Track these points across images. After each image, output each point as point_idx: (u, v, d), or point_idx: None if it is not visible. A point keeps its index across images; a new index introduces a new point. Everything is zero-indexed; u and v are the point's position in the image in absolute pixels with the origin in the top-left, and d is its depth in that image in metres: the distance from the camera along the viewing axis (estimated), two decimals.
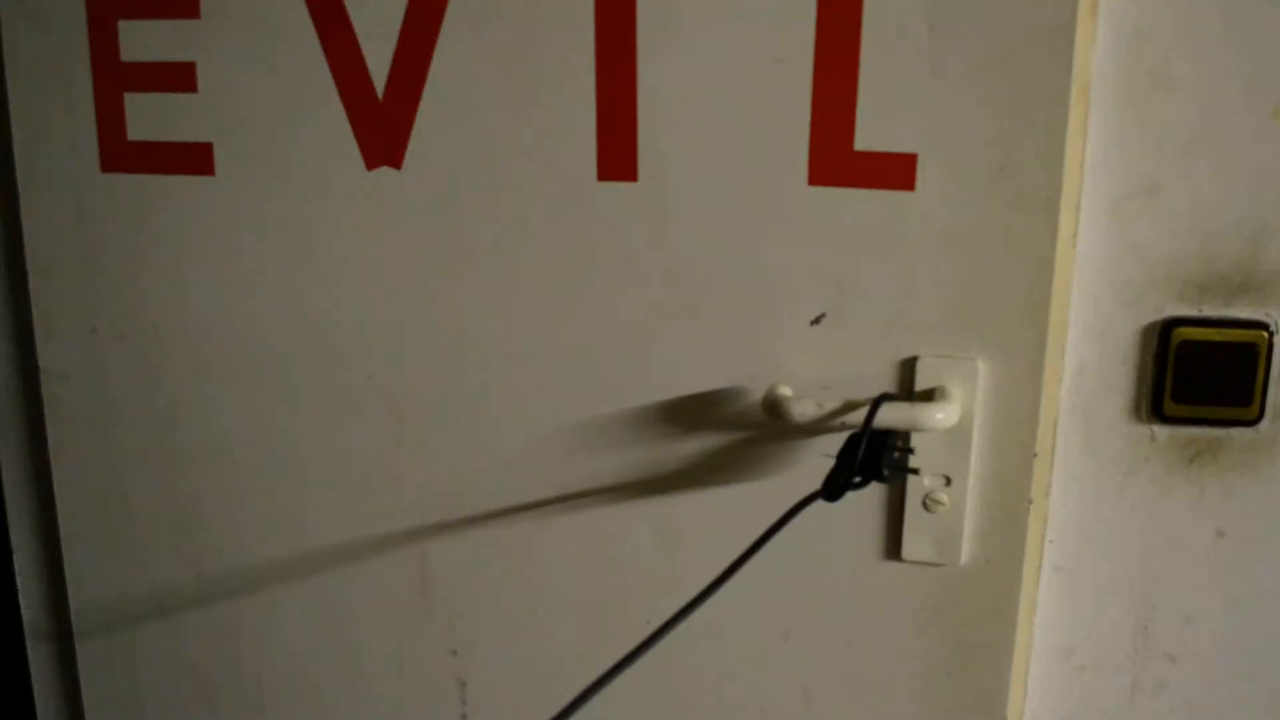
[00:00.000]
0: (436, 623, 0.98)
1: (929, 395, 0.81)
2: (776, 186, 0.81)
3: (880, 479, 0.76)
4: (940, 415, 0.77)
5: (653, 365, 0.87)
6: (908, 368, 0.82)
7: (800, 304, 0.83)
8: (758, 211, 0.82)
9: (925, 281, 0.80)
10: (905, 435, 0.81)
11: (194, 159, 0.92)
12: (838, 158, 0.80)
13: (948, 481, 0.82)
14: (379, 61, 0.86)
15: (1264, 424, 0.71)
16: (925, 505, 0.83)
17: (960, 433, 0.81)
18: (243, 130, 0.91)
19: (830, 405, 0.78)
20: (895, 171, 0.79)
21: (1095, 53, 0.77)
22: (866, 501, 0.85)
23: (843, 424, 0.77)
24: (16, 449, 1.06)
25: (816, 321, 0.83)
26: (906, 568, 0.86)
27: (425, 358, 0.92)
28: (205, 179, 0.93)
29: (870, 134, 0.79)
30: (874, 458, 0.76)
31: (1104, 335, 0.75)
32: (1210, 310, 0.70)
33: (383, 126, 0.88)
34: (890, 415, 0.76)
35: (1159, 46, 0.72)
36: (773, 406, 0.79)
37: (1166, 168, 0.72)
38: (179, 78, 0.91)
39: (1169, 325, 0.71)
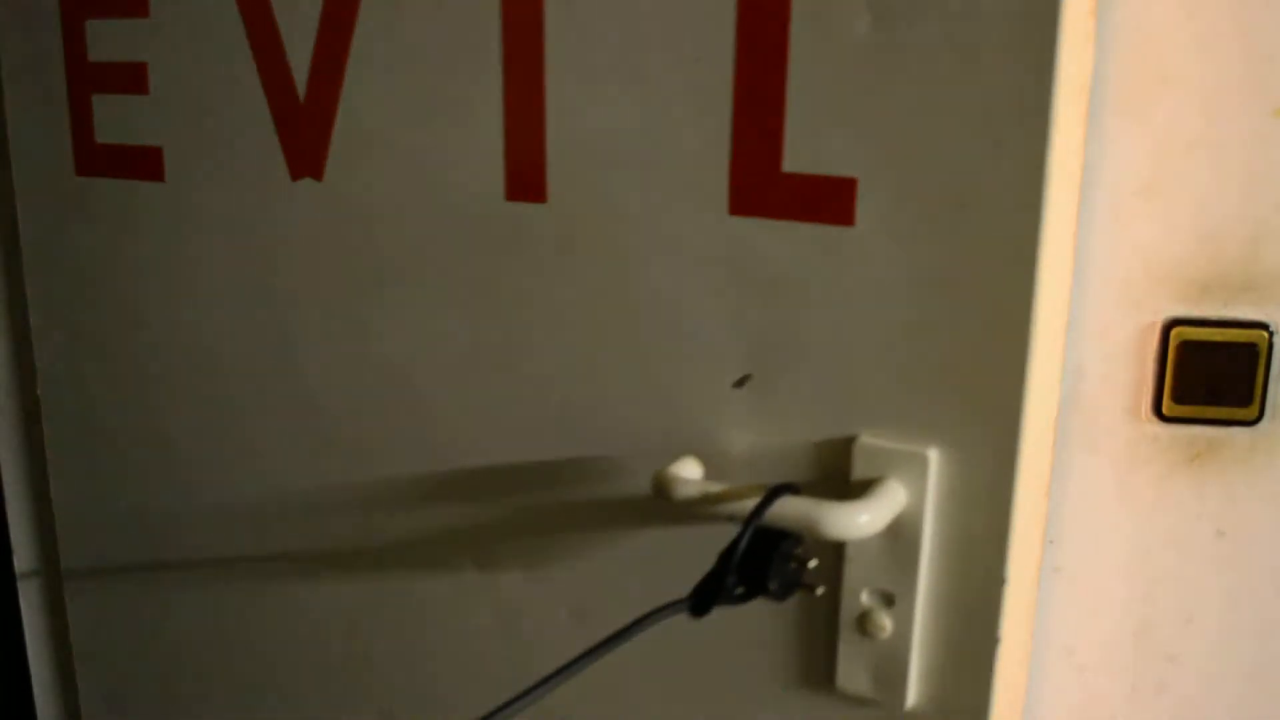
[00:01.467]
0: (368, 680, 0.89)
1: (865, 487, 0.63)
2: (693, 215, 0.66)
3: (766, 594, 0.59)
4: (864, 519, 0.59)
5: (565, 418, 0.74)
6: (844, 449, 0.64)
7: (721, 361, 0.67)
8: (671, 244, 0.67)
9: (867, 341, 0.63)
10: (840, 544, 0.64)
11: (147, 163, 0.88)
12: (763, 181, 0.63)
13: (889, 601, 0.64)
14: (301, 63, 0.79)
15: (1264, 424, 0.69)
16: (861, 627, 0.65)
17: (906, 541, 0.63)
18: (188, 134, 0.86)
19: (715, 490, 0.62)
20: (830, 199, 0.62)
21: (1095, 52, 0.61)
22: (790, 615, 0.68)
23: (730, 516, 0.61)
24: (16, 449, 1.07)
25: (740, 384, 0.67)
26: (848, 704, 0.68)
27: (343, 388, 0.83)
28: (158, 185, 0.88)
29: (802, 151, 0.62)
30: (760, 566, 0.59)
31: (1104, 335, 0.69)
32: (1210, 310, 0.68)
33: (304, 135, 0.79)
34: (788, 512, 0.59)
35: (1159, 46, 0.64)
36: (659, 486, 0.64)
37: (1166, 168, 0.66)
38: (133, 79, 0.87)
39: (1169, 325, 0.68)
